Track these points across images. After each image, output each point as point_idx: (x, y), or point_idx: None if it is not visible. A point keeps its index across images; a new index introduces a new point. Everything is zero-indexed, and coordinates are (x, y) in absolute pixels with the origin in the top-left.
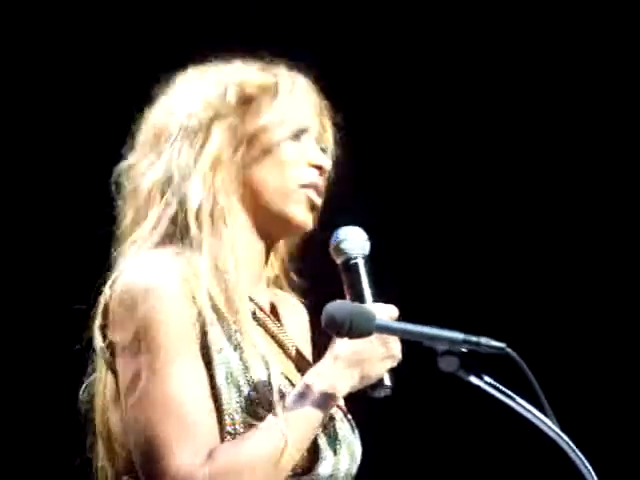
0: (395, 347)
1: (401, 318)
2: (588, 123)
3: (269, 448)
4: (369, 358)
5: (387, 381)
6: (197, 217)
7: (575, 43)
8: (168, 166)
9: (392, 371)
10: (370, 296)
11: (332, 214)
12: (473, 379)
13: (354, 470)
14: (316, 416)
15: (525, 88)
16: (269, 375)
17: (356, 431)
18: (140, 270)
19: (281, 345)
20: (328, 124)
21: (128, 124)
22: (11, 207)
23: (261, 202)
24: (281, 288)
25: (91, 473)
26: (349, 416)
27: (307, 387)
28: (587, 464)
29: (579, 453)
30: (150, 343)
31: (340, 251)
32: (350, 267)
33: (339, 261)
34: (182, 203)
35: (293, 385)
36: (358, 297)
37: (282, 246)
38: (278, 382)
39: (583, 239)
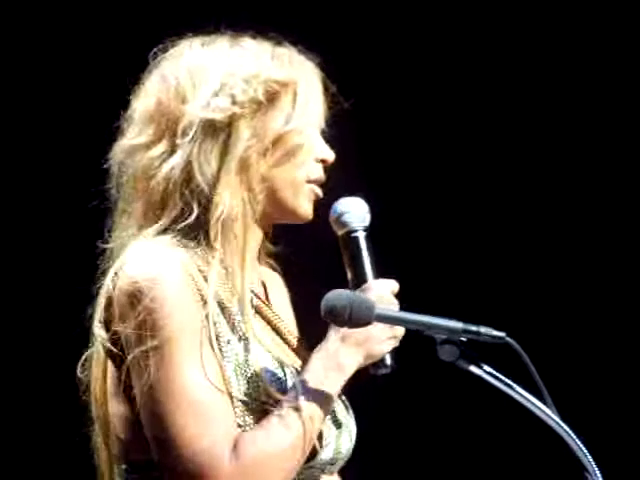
0: (399, 327)
1: (401, 300)
2: (588, 121)
3: (293, 436)
4: (374, 337)
5: (388, 360)
6: (217, 224)
7: (575, 43)
8: (188, 163)
9: (393, 351)
10: (371, 271)
11: (333, 199)
12: (473, 368)
13: (351, 450)
14: (328, 397)
15: (526, 84)
16: (276, 364)
17: (350, 411)
18: (143, 261)
19: (277, 331)
20: (326, 104)
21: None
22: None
23: (274, 198)
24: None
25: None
26: (343, 397)
27: (317, 368)
28: (587, 453)
29: (579, 442)
30: (160, 332)
31: (340, 224)
32: (351, 241)
33: (339, 233)
34: (205, 209)
35: (297, 372)
36: (358, 272)
37: None
38: (286, 370)
39: (582, 228)
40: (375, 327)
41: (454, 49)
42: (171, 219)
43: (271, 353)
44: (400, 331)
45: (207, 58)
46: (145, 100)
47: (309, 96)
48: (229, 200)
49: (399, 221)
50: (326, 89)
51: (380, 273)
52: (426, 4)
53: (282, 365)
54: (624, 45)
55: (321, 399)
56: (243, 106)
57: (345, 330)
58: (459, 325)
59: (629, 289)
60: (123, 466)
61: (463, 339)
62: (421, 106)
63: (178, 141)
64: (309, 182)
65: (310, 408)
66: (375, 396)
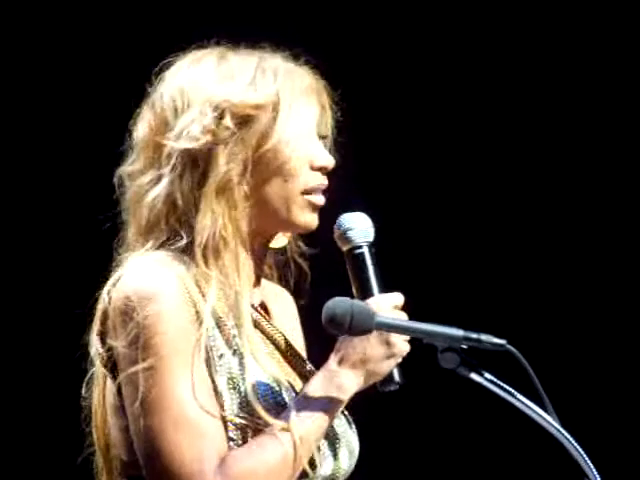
0: (399, 344)
1: (405, 311)
2: (588, 123)
3: (283, 456)
4: (373, 358)
5: (397, 377)
6: (205, 250)
7: (575, 43)
8: (171, 191)
9: (400, 366)
10: (376, 286)
11: (335, 209)
12: (474, 376)
13: (353, 465)
14: (324, 419)
15: (525, 87)
16: (270, 380)
17: (353, 426)
18: (139, 276)
19: (276, 345)
20: (328, 107)
21: (123, 114)
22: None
23: (266, 212)
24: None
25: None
26: (346, 412)
27: (314, 391)
28: (588, 460)
29: (580, 449)
30: (152, 350)
31: (345, 239)
32: (356, 257)
33: (344, 249)
34: (189, 234)
35: (292, 387)
36: (364, 287)
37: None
38: (281, 386)
39: (583, 236)
40: (372, 347)
41: (453, 61)
42: (159, 243)
43: (265, 368)
44: (400, 347)
45: (189, 82)
46: (141, 125)
47: (295, 107)
48: (211, 226)
49: (400, 229)
50: (327, 93)
51: (382, 282)
52: (429, 18)
53: (277, 380)
54: (624, 45)
55: (317, 420)
56: (215, 134)
57: (344, 352)
58: (460, 333)
59: (629, 296)
60: None
61: (464, 347)
62: (422, 118)
63: (163, 170)
64: (306, 192)
65: (303, 428)
66: (376, 405)
